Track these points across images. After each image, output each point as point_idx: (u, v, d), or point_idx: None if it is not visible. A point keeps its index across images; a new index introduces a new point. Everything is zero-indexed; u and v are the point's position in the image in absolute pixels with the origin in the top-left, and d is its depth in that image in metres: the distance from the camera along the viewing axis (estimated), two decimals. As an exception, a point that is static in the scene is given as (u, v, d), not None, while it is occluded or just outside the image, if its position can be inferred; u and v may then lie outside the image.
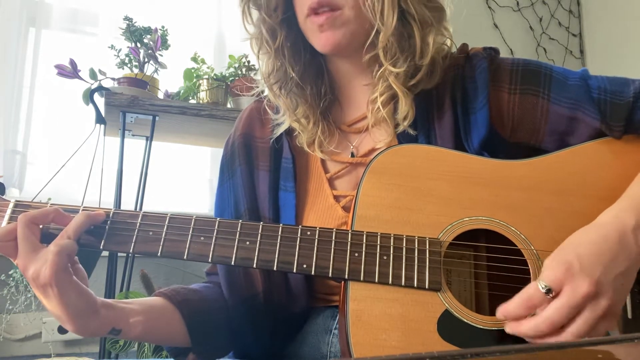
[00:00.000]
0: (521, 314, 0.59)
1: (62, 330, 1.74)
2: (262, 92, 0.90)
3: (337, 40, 0.75)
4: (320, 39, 0.76)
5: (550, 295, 0.58)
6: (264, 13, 0.79)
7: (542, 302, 0.58)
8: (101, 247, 0.68)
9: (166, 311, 0.77)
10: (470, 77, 0.79)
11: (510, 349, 0.30)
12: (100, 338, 1.49)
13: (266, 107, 0.88)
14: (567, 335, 0.57)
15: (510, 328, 0.61)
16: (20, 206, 0.70)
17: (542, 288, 0.58)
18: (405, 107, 0.76)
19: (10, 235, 0.65)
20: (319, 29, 0.76)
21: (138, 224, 0.69)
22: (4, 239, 0.65)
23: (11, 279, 1.57)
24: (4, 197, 0.72)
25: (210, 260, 0.67)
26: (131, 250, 0.68)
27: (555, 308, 0.57)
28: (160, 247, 0.68)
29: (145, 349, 1.43)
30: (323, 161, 0.85)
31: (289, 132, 0.86)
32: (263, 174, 0.84)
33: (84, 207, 0.70)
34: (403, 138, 0.79)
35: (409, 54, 0.76)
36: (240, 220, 0.69)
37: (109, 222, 0.69)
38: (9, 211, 0.69)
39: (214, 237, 0.68)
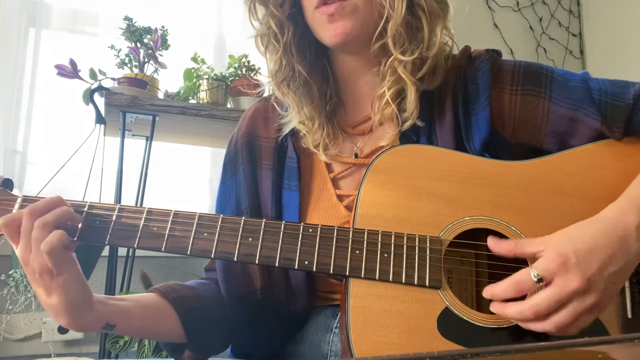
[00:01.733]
0: (508, 297, 0.61)
1: (62, 330, 1.74)
2: (263, 92, 0.90)
3: (347, 30, 0.74)
4: (330, 30, 0.75)
5: (541, 284, 0.59)
6: (272, 6, 0.79)
7: (531, 289, 0.60)
8: (106, 242, 0.69)
9: (161, 308, 0.77)
10: (472, 78, 0.79)
11: (510, 349, 0.30)
12: (101, 338, 1.49)
13: (274, 104, 0.88)
14: (548, 324, 0.59)
15: (495, 308, 0.62)
16: (28, 201, 0.71)
17: (534, 276, 0.59)
18: (413, 99, 0.76)
19: (16, 222, 0.67)
20: (328, 19, 0.75)
21: (143, 220, 0.70)
22: (12, 224, 0.67)
23: (11, 279, 1.57)
24: (12, 192, 0.74)
25: (213, 255, 0.68)
26: (136, 245, 0.69)
27: (542, 297, 0.59)
28: (165, 242, 0.69)
29: (145, 349, 1.43)
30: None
31: (293, 133, 0.86)
32: (266, 173, 0.85)
33: (91, 202, 0.71)
34: (405, 138, 0.79)
35: (417, 45, 0.76)
36: (243, 217, 0.70)
37: (114, 217, 0.70)
38: (17, 206, 0.71)
39: (217, 233, 0.69)
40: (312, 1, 0.76)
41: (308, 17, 0.79)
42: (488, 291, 0.63)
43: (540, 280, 0.59)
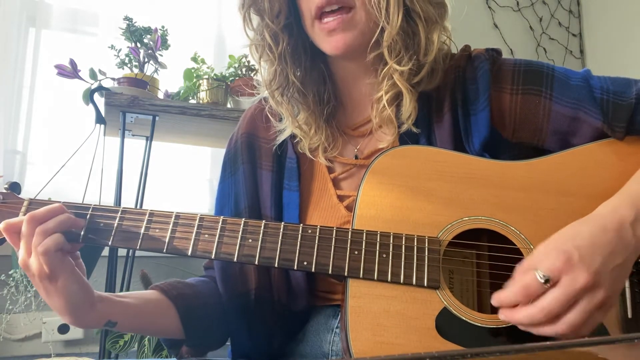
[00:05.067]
0: (517, 302, 0.59)
1: (62, 330, 1.74)
2: (264, 99, 0.90)
3: (348, 42, 0.75)
4: (331, 42, 0.76)
5: (548, 285, 0.58)
6: (267, 18, 0.78)
7: (539, 291, 0.58)
8: (109, 244, 0.70)
9: (161, 305, 0.78)
10: (472, 78, 0.79)
11: (510, 349, 0.30)
12: (100, 338, 1.49)
13: (268, 114, 0.87)
14: (562, 325, 0.57)
15: (504, 315, 0.60)
16: (34, 204, 0.72)
17: (541, 278, 0.58)
18: (409, 105, 0.76)
19: (16, 228, 0.67)
20: (328, 33, 0.75)
21: (145, 222, 0.71)
22: (12, 229, 0.67)
23: (11, 279, 1.57)
24: (19, 196, 0.75)
25: (213, 257, 0.69)
26: (138, 247, 0.70)
27: (552, 298, 0.57)
28: (166, 244, 0.70)
29: (145, 349, 1.43)
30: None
31: (293, 135, 0.86)
32: (266, 173, 0.85)
33: (94, 205, 0.72)
34: (404, 139, 0.79)
35: (413, 52, 0.75)
36: (243, 219, 0.70)
37: (117, 219, 0.71)
38: (23, 209, 0.72)
39: (217, 235, 0.69)
40: (310, 11, 0.75)
41: (307, 26, 0.78)
42: (495, 299, 0.61)
43: (547, 281, 0.57)
